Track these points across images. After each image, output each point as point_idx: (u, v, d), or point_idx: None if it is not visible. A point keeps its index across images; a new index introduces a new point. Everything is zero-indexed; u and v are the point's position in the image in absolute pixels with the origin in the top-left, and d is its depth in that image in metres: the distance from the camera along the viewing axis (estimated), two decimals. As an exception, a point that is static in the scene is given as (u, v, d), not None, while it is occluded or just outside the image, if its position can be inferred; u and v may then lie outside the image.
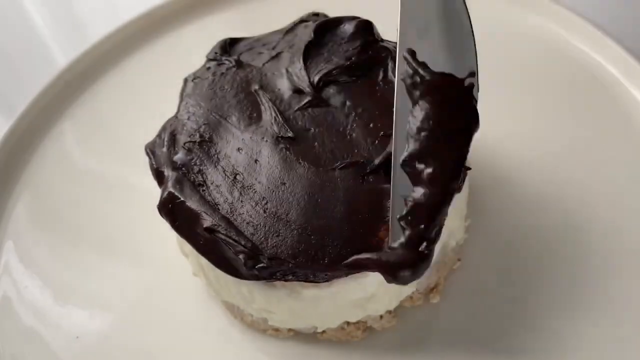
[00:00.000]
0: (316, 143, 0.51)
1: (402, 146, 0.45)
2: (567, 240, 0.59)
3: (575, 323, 0.54)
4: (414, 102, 0.46)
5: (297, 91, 0.55)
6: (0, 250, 0.65)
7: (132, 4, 0.86)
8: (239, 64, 0.58)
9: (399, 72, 0.48)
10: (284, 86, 0.56)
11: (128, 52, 0.81)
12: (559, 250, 0.59)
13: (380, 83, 0.54)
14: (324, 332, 0.55)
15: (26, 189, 0.69)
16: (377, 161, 0.49)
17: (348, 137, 0.51)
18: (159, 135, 0.55)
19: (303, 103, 0.54)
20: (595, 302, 0.55)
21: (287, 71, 0.56)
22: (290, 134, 0.52)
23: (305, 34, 0.59)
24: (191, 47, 0.76)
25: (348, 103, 0.53)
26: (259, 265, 0.46)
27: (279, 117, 0.53)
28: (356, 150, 0.50)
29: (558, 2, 0.74)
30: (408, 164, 0.45)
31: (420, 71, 0.47)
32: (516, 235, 0.60)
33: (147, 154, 0.54)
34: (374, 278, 0.49)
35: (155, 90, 0.75)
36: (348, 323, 0.55)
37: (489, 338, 0.54)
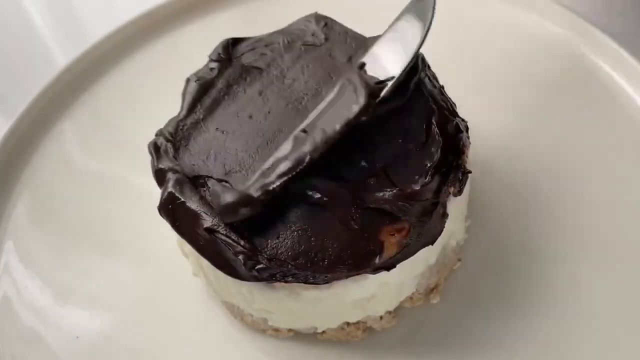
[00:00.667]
0: None
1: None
2: (568, 240, 0.59)
3: (576, 323, 0.54)
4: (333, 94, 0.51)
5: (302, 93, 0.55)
6: (0, 250, 0.64)
7: (132, 4, 0.86)
8: (242, 65, 0.58)
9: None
10: (286, 87, 0.56)
11: (128, 52, 0.80)
12: (560, 250, 0.59)
13: None
14: (323, 332, 0.55)
15: (26, 189, 0.69)
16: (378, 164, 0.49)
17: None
18: (161, 135, 0.55)
19: (305, 103, 0.54)
20: (597, 301, 0.55)
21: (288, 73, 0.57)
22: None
23: (307, 33, 0.59)
24: (192, 47, 0.76)
25: None
26: (258, 267, 0.46)
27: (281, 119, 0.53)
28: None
29: (558, 2, 0.74)
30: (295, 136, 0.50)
31: (355, 74, 0.51)
32: (516, 236, 0.60)
33: (150, 153, 0.54)
34: (374, 279, 0.49)
35: (156, 91, 0.75)
36: (348, 323, 0.55)
37: (489, 338, 0.54)
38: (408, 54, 0.50)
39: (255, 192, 0.47)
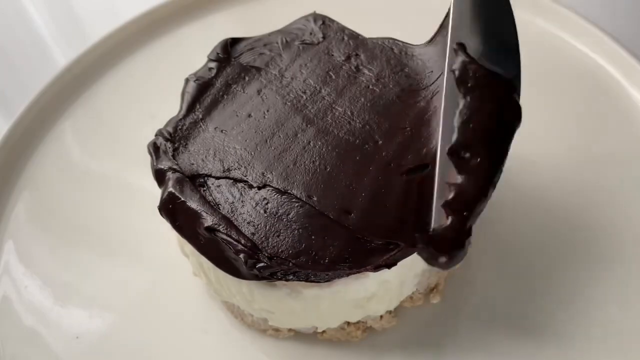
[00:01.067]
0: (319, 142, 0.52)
1: (448, 136, 0.46)
2: (568, 240, 0.59)
3: (576, 324, 0.54)
4: (463, 95, 0.47)
5: (300, 92, 0.55)
6: (0, 250, 0.64)
7: (132, 4, 0.86)
8: (241, 65, 0.58)
9: (448, 64, 0.49)
10: (284, 86, 0.56)
11: (128, 52, 0.80)
12: (560, 250, 0.58)
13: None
14: (324, 332, 0.55)
15: (26, 188, 0.69)
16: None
17: (353, 136, 0.51)
18: (160, 135, 0.55)
19: (303, 101, 0.54)
20: (597, 302, 0.55)
21: (286, 72, 0.57)
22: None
23: (305, 32, 0.59)
24: (191, 47, 0.76)
25: (353, 100, 0.53)
26: (259, 265, 0.46)
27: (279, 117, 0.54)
28: (365, 146, 0.50)
29: (558, 2, 0.74)
30: (454, 153, 0.46)
31: (470, 65, 0.48)
32: (517, 235, 0.60)
33: (150, 153, 0.54)
34: (375, 278, 0.49)
35: (156, 90, 0.75)
36: (348, 323, 0.55)
37: (489, 339, 0.54)
38: (515, 49, 0.50)
39: (462, 234, 0.44)
